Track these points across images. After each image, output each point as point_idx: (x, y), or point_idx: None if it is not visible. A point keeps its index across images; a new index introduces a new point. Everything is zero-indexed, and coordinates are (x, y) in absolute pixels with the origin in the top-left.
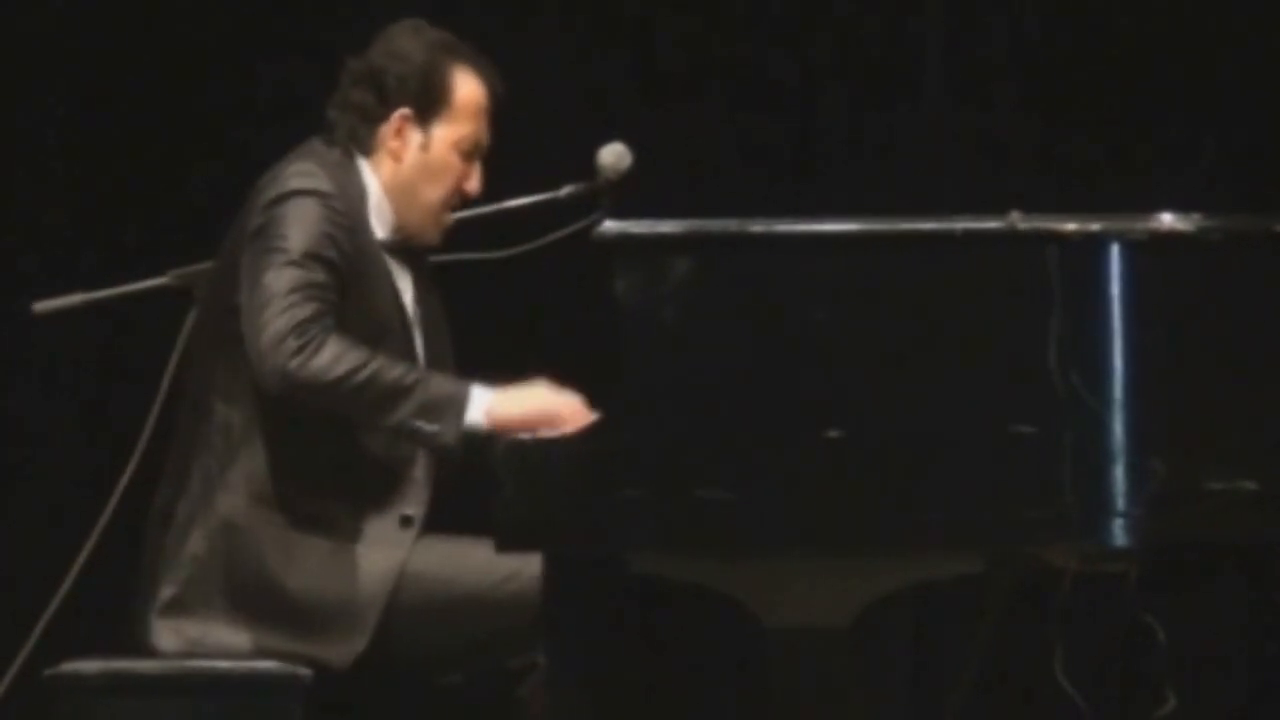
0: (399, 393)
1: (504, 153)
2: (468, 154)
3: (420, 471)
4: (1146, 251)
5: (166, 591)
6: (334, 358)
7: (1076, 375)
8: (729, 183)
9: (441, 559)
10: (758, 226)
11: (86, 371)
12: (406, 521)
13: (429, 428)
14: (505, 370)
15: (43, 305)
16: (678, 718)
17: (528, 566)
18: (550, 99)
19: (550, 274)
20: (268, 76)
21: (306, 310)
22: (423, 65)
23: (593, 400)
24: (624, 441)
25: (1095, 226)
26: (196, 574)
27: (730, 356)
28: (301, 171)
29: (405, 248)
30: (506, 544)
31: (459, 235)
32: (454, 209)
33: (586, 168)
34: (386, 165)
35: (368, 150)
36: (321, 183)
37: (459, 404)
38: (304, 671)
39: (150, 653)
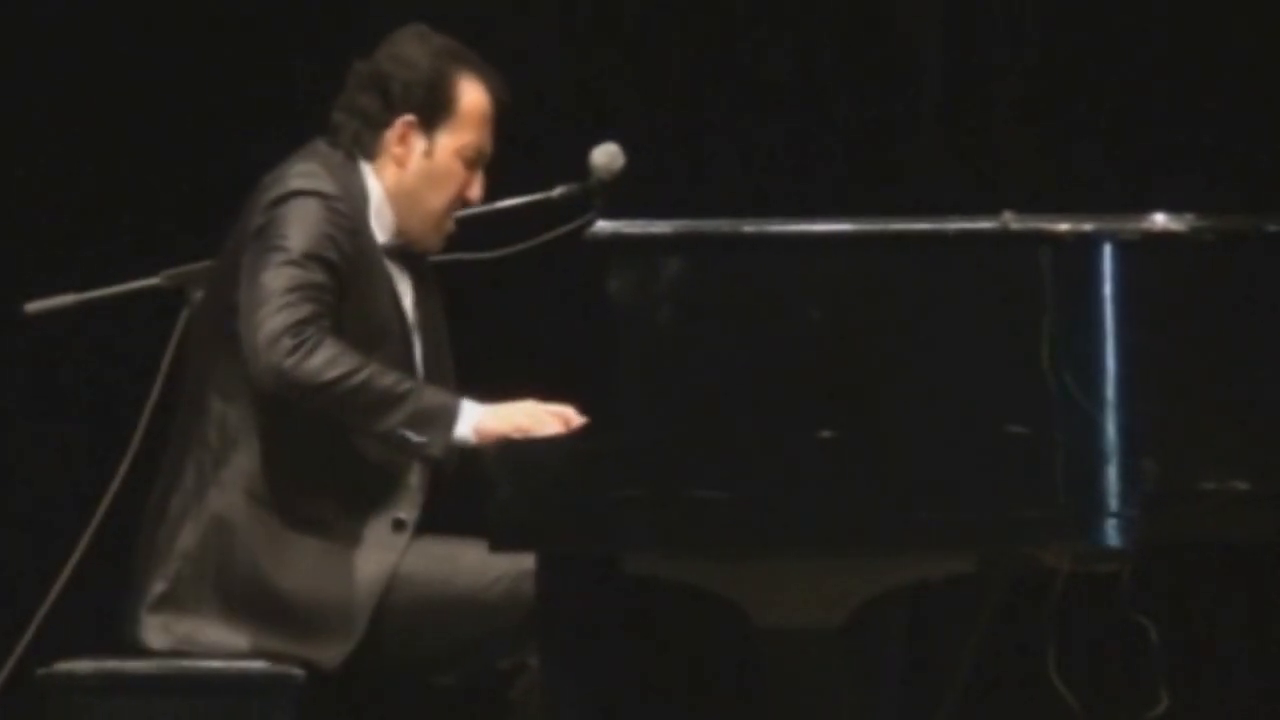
0: (390, 401)
1: (497, 153)
2: (471, 162)
3: (415, 476)
4: (1139, 252)
5: (157, 587)
6: (328, 360)
7: (1070, 375)
8: (722, 183)
9: (433, 560)
10: (750, 227)
11: (79, 372)
12: (399, 525)
13: (417, 438)
14: (498, 373)
15: (35, 305)
16: (672, 718)
17: (519, 567)
18: (543, 99)
19: (543, 274)
20: (268, 76)
21: (304, 310)
22: (428, 72)
23: (586, 401)
24: (617, 441)
25: (1088, 227)
26: (187, 570)
27: (723, 357)
28: (304, 172)
29: (406, 252)
30: (500, 544)
31: (452, 236)
32: (455, 216)
33: (579, 168)
34: (390, 171)
35: (371, 155)
36: (324, 184)
37: (448, 417)
38: (297, 672)
39: (138, 649)
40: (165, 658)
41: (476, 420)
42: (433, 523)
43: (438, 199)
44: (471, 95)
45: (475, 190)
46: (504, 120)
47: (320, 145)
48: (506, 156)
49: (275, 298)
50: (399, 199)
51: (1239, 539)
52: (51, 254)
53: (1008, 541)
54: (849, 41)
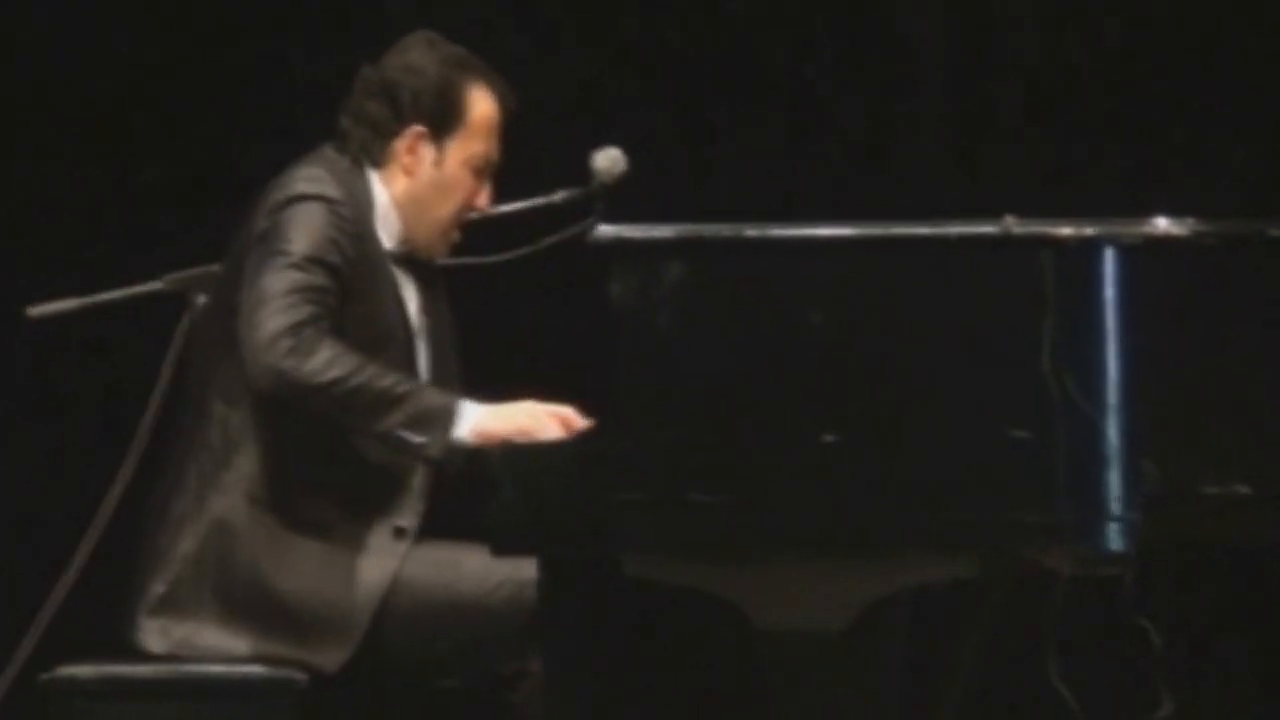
0: (389, 402)
1: (499, 157)
2: (479, 170)
3: (417, 482)
4: (1141, 255)
5: (156, 590)
6: (327, 361)
7: (1071, 379)
8: (723, 187)
9: (435, 565)
10: (752, 231)
11: (81, 376)
12: (400, 533)
13: (415, 439)
14: (500, 377)
15: (38, 309)
16: None
17: (521, 572)
18: (544, 104)
19: (545, 278)
20: (271, 79)
21: (303, 312)
22: (438, 82)
23: (588, 405)
24: (619, 445)
25: (1090, 230)
26: (187, 573)
27: (725, 361)
28: (310, 176)
29: (412, 258)
30: (502, 548)
31: (455, 241)
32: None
33: (581, 172)
34: (398, 180)
35: (379, 163)
36: (329, 188)
37: (447, 418)
38: (299, 676)
39: (136, 652)
40: (167, 662)
41: (475, 420)
42: (435, 527)
43: (445, 208)
44: (481, 105)
45: (483, 198)
46: (508, 126)
47: (327, 151)
48: (508, 161)
49: (275, 300)
50: (407, 207)
51: (1240, 542)
52: (54, 258)
53: (1009, 544)
54: (850, 44)
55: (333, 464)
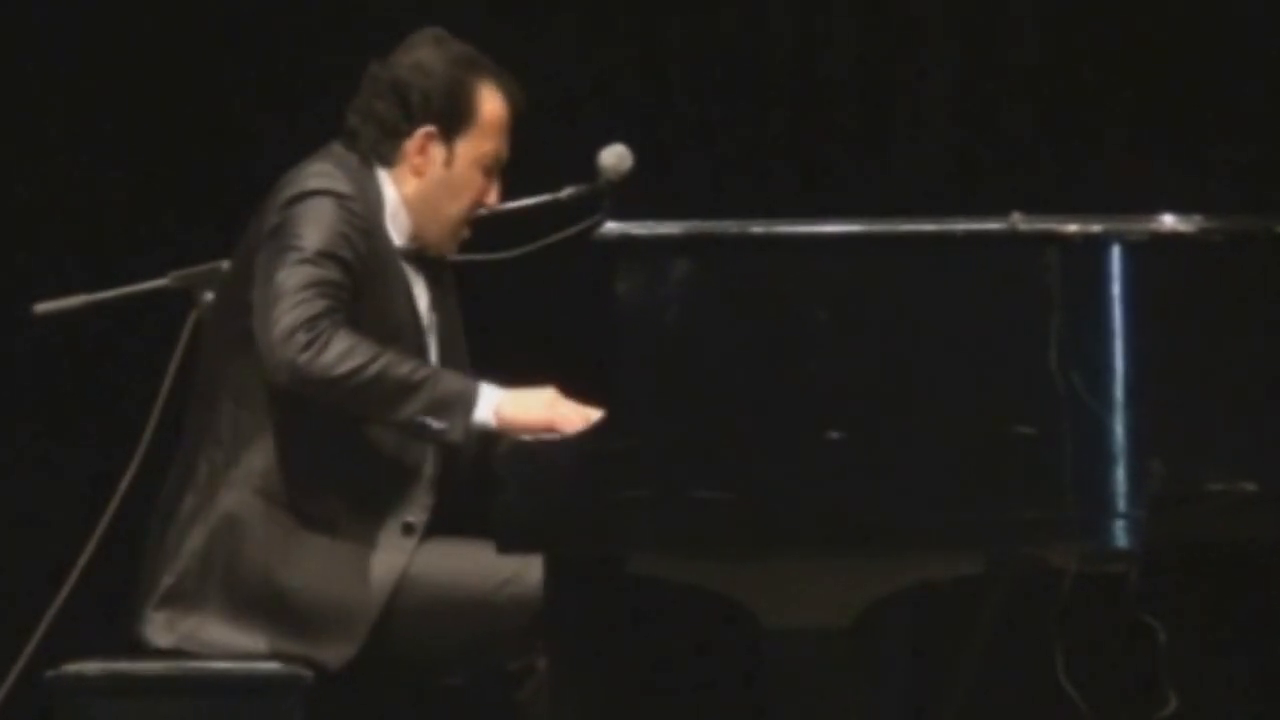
0: (408, 389)
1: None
2: (489, 169)
3: (426, 478)
4: (1147, 252)
5: (164, 582)
6: (343, 352)
7: (1077, 376)
8: (729, 184)
9: (442, 561)
10: (758, 228)
11: (88, 373)
12: (409, 529)
13: (436, 424)
14: (506, 372)
15: (43, 306)
16: (678, 719)
17: (527, 569)
18: (551, 100)
19: (551, 275)
20: (278, 76)
21: (318, 306)
22: (448, 82)
23: (593, 402)
24: (625, 442)
25: (1096, 227)
26: (195, 567)
27: (731, 358)
28: (320, 172)
29: (421, 255)
30: (508, 545)
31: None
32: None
33: (588, 169)
34: (408, 180)
35: (389, 163)
36: (340, 184)
37: (467, 402)
38: (305, 672)
39: (141, 646)
40: (173, 659)
41: (496, 404)
42: (441, 524)
43: (456, 206)
44: (491, 104)
45: (492, 196)
46: (516, 123)
47: (335, 148)
48: (515, 158)
49: (290, 295)
50: (417, 206)
51: (1246, 539)
52: (59, 255)
53: (1015, 542)
54: (856, 41)
55: (342, 460)
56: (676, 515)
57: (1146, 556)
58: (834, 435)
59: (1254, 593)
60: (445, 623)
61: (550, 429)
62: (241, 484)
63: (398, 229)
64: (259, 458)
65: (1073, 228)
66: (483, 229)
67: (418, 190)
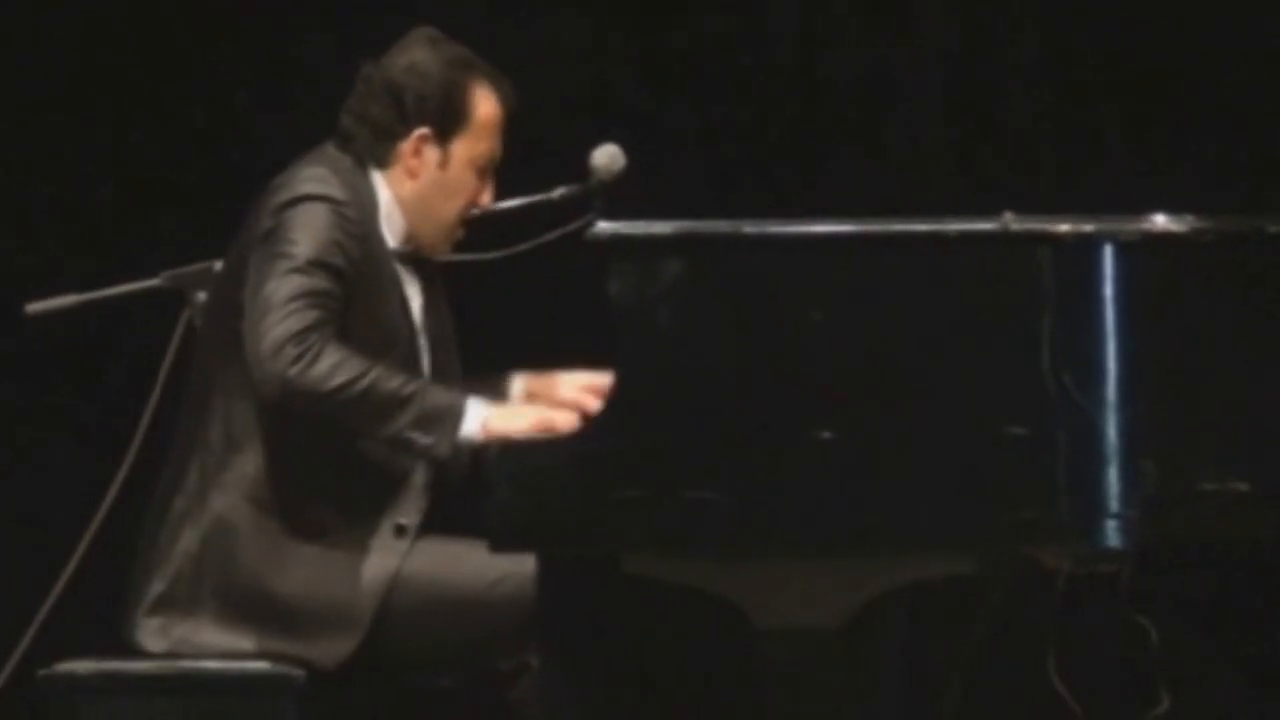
0: (396, 404)
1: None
2: (483, 170)
3: (418, 480)
4: (1139, 252)
5: (156, 588)
6: (332, 367)
7: (1069, 376)
8: (722, 184)
9: (434, 561)
10: (751, 228)
11: (80, 372)
12: (401, 530)
13: (424, 440)
14: (499, 373)
15: (36, 306)
16: (671, 719)
17: (520, 568)
18: (544, 100)
19: (543, 275)
20: (271, 75)
21: (307, 318)
22: (442, 83)
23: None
24: (617, 442)
25: (1088, 227)
26: (187, 571)
27: (723, 357)
28: (314, 176)
29: (415, 256)
30: (500, 545)
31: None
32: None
33: (580, 169)
34: (403, 181)
35: (383, 164)
36: (334, 189)
37: (455, 417)
38: (298, 672)
39: (135, 651)
40: (165, 658)
41: (483, 419)
42: (435, 524)
43: (450, 207)
44: (485, 105)
45: (486, 197)
46: (508, 123)
47: (329, 149)
48: (507, 158)
49: (280, 306)
50: (411, 208)
51: (1239, 539)
52: (52, 255)
53: (1007, 542)
54: (851, 40)
55: (334, 462)
56: (669, 515)
57: (1139, 556)
58: (826, 435)
59: (1246, 593)
60: (438, 623)
61: (545, 428)
62: (233, 488)
63: (392, 231)
64: (250, 462)
65: (1064, 227)
66: (475, 229)
67: (413, 192)
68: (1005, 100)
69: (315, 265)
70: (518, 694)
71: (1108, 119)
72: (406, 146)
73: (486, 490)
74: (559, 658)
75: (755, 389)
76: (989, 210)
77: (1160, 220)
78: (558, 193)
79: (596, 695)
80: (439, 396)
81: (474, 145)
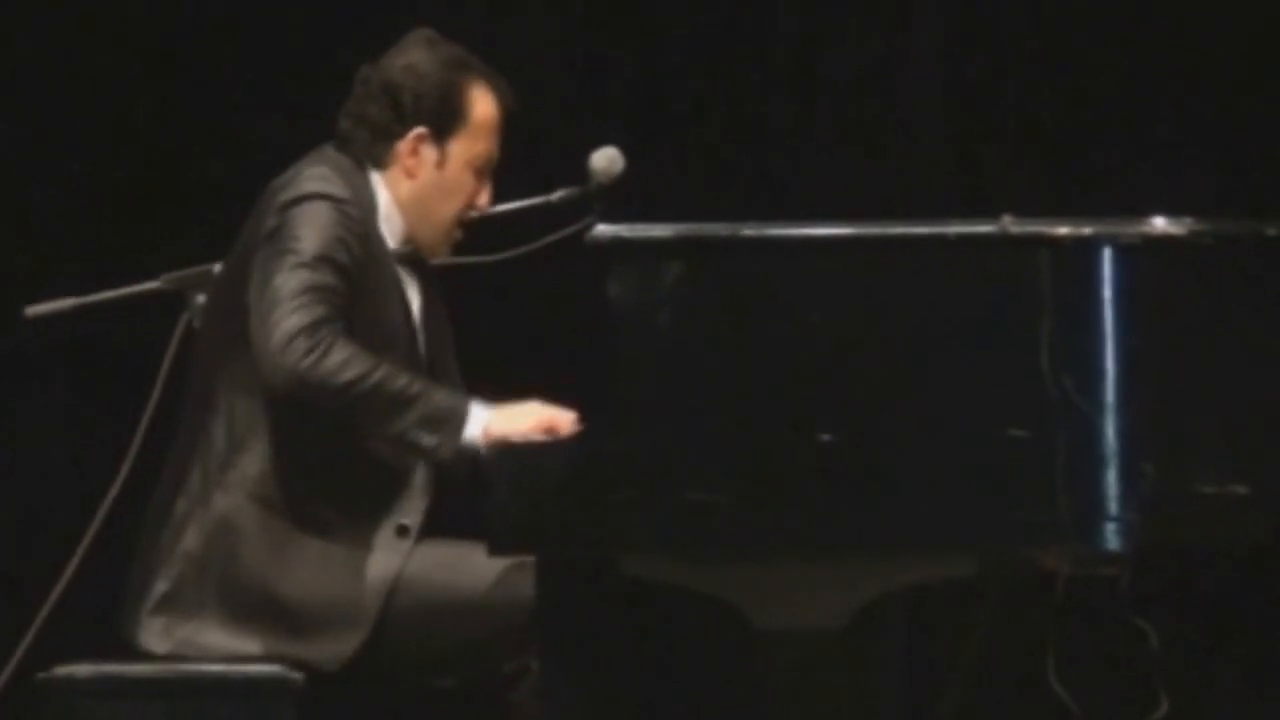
0: (403, 402)
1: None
2: (480, 171)
3: (419, 481)
4: (1139, 255)
5: (159, 588)
6: (343, 361)
7: (1069, 379)
8: (720, 186)
9: (436, 563)
10: (750, 230)
11: (80, 374)
12: (403, 531)
13: (428, 440)
14: (497, 377)
15: (35, 309)
16: None
17: (520, 571)
18: (542, 103)
19: (542, 278)
20: (271, 78)
21: (317, 312)
22: (439, 83)
23: (585, 404)
24: (616, 444)
25: (1087, 230)
26: (190, 572)
27: (722, 360)
28: (317, 175)
29: (413, 258)
30: (499, 548)
31: (455, 240)
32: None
33: (579, 172)
34: (400, 181)
35: (381, 165)
36: (336, 188)
37: (458, 418)
38: (297, 675)
39: (137, 651)
40: (165, 661)
41: (485, 421)
42: (436, 527)
43: (448, 208)
44: (482, 105)
45: (484, 198)
46: (507, 125)
47: (329, 150)
48: (506, 160)
49: (288, 300)
50: (410, 208)
51: (1238, 542)
52: (51, 257)
53: (1007, 545)
54: (850, 42)
55: (336, 463)
56: (669, 517)
57: (1138, 559)
58: (826, 437)
59: (1246, 596)
60: (439, 625)
61: (546, 430)
62: (236, 488)
63: (391, 231)
64: (253, 462)
65: (1063, 230)
66: (474, 232)
67: (410, 192)
68: (1005, 101)
69: (321, 261)
70: (518, 696)
71: (1109, 121)
72: (403, 146)
73: (486, 492)
74: (559, 660)
75: (754, 391)
76: (988, 212)
77: (1159, 223)
78: (557, 195)
79: (596, 697)
80: (443, 399)
81: (471, 145)
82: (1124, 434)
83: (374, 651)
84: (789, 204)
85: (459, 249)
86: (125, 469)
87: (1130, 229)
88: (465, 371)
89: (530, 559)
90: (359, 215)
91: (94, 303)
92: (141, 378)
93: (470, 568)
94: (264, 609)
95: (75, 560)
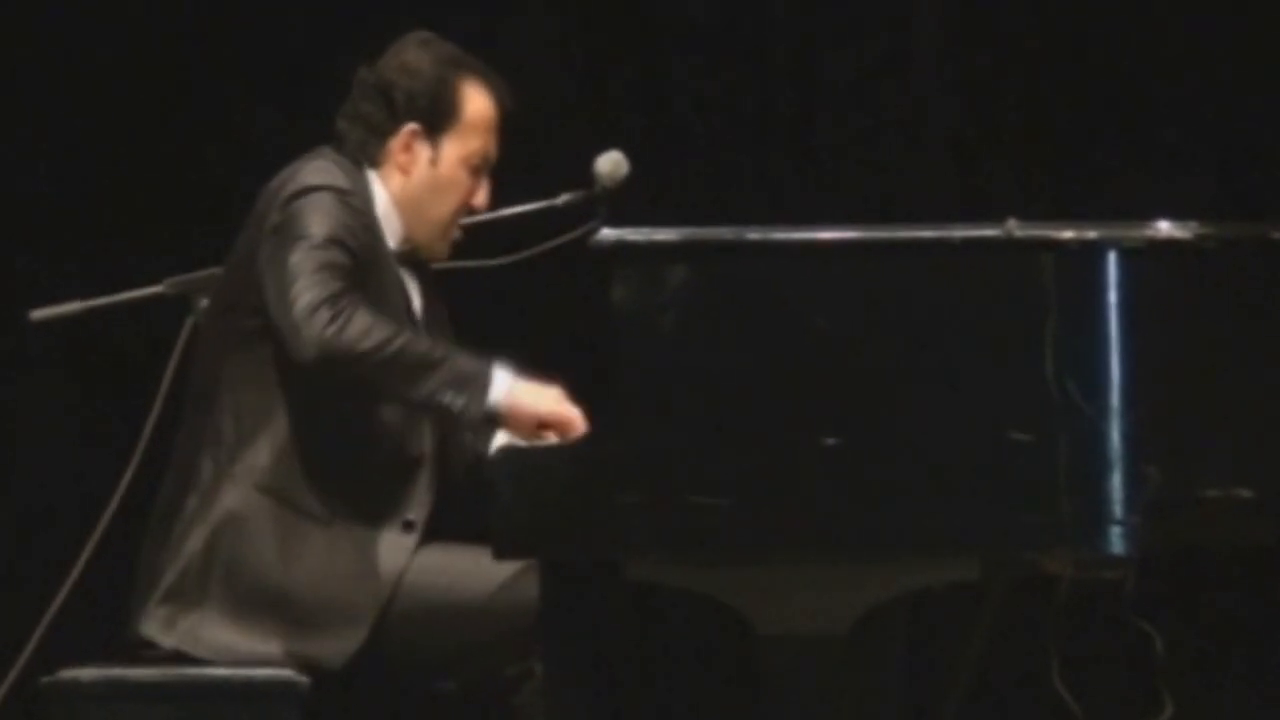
0: (428, 365)
1: (501, 160)
2: (476, 169)
3: (424, 477)
4: (1143, 259)
5: (166, 580)
6: (366, 328)
7: (1073, 382)
8: (726, 190)
9: (439, 565)
10: (754, 234)
11: (85, 377)
12: (409, 526)
13: (456, 401)
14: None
15: (40, 313)
16: None
17: (524, 574)
18: (547, 107)
19: (547, 282)
20: (274, 83)
21: (334, 285)
22: (432, 80)
23: (589, 408)
24: (620, 448)
25: (1092, 234)
26: (197, 565)
27: (726, 364)
28: (318, 169)
29: (413, 259)
30: (503, 551)
31: (456, 243)
32: (461, 223)
33: (584, 176)
34: (395, 178)
35: (376, 163)
36: (339, 180)
37: (484, 380)
38: (302, 678)
39: (139, 641)
40: (169, 664)
41: (509, 387)
42: (439, 531)
43: (444, 207)
44: (476, 102)
45: (481, 197)
46: (508, 127)
47: (326, 151)
48: (510, 164)
49: (306, 275)
50: (405, 206)
51: (1242, 545)
52: (56, 262)
53: (1011, 548)
54: (851, 48)
55: (342, 458)
56: (672, 521)
57: (1142, 563)
58: (830, 441)
59: (1250, 599)
60: (442, 627)
61: (555, 424)
62: (244, 480)
63: (390, 230)
64: (261, 454)
65: (1068, 234)
66: (478, 236)
67: (405, 189)
68: (1006, 102)
69: (332, 242)
70: (521, 699)
71: (1110, 123)
72: (397, 143)
73: (489, 495)
74: (562, 663)
75: (758, 395)
76: (988, 212)
77: (1164, 226)
78: (561, 199)
79: (599, 701)
80: (466, 360)
81: (465, 142)
82: (1128, 437)
83: (377, 653)
84: (790, 205)
85: (462, 252)
86: (130, 472)
87: (1135, 232)
88: None
89: (534, 562)
90: (361, 206)
91: (99, 306)
92: (147, 381)
93: (473, 571)
94: (268, 602)
95: (80, 564)
